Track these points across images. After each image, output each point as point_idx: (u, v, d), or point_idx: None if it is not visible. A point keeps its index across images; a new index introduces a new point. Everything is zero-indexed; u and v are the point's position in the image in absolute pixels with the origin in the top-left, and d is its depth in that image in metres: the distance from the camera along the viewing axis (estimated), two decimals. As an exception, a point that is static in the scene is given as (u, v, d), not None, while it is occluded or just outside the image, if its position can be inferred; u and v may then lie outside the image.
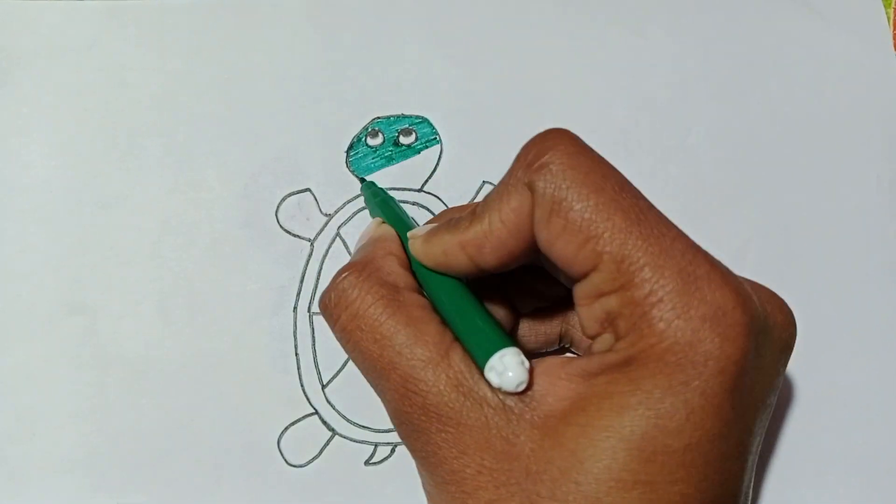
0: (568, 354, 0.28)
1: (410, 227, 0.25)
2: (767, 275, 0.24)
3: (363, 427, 0.30)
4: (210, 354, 0.29)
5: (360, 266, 0.23)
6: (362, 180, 0.31)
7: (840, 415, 0.32)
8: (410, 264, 0.24)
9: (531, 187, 0.20)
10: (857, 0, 0.36)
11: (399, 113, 0.32)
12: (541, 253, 0.21)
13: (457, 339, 0.21)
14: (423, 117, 0.32)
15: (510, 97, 0.33)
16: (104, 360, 0.29)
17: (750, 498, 0.21)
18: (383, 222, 0.27)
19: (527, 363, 0.20)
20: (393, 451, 0.30)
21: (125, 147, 0.31)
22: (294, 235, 0.31)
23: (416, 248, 0.24)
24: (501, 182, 0.21)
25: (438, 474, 0.20)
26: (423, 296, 0.23)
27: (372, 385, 0.23)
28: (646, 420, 0.18)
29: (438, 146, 0.32)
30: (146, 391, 0.29)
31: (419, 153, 0.32)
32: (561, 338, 0.27)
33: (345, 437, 0.30)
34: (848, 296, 0.33)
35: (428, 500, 0.22)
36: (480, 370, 0.20)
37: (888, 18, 0.36)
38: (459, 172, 0.32)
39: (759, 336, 0.19)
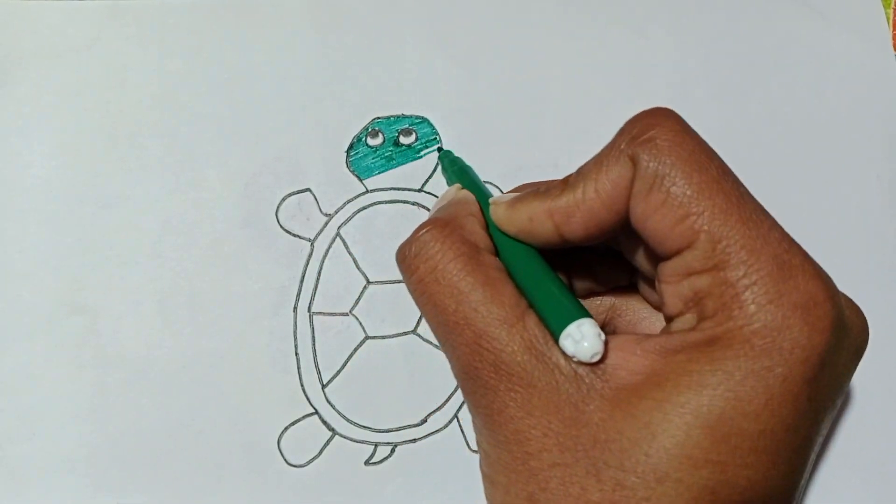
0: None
1: (489, 195, 0.25)
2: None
3: (363, 427, 0.30)
4: (210, 354, 0.29)
5: (443, 222, 0.23)
6: (439, 149, 0.32)
7: (839, 414, 0.32)
8: (488, 230, 0.24)
9: (634, 159, 0.20)
10: (857, 0, 0.36)
11: (399, 113, 0.32)
12: (622, 232, 0.21)
13: (531, 306, 0.22)
14: (423, 117, 0.32)
15: (510, 97, 0.33)
16: (104, 360, 0.29)
17: (803, 496, 0.21)
18: (462, 188, 0.27)
19: (603, 335, 0.20)
20: (393, 451, 0.30)
21: (125, 147, 0.31)
22: (294, 235, 0.31)
23: (499, 213, 0.24)
24: (601, 153, 0.21)
25: (502, 433, 0.20)
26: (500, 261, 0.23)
27: (441, 339, 0.23)
28: (724, 400, 0.18)
29: (437, 148, 0.32)
30: (146, 391, 0.29)
31: (418, 153, 0.32)
32: (605, 325, 0.27)
33: (345, 437, 0.30)
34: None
35: (483, 460, 0.22)
36: (555, 338, 0.20)
37: (888, 18, 0.36)
38: (459, 172, 0.32)
39: (841, 333, 0.19)
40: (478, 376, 0.21)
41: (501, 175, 0.32)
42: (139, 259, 0.30)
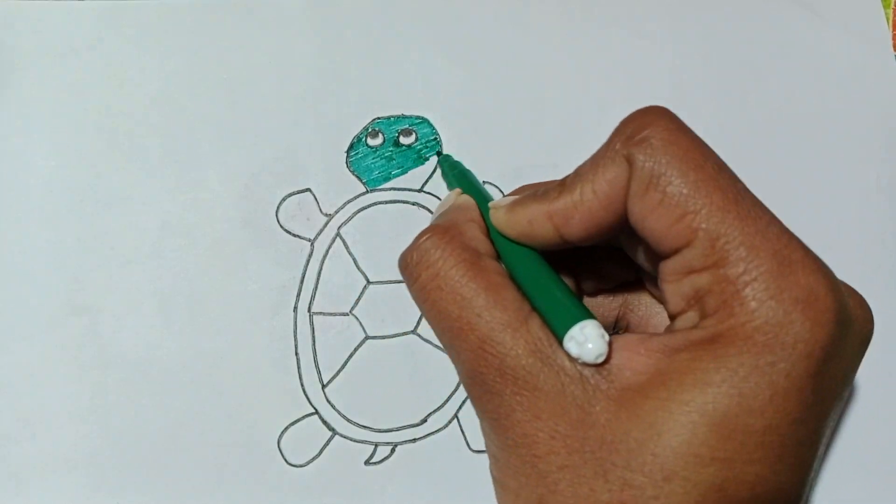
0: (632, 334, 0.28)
1: (489, 200, 0.25)
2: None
3: (363, 427, 0.30)
4: (210, 354, 0.29)
5: (443, 229, 0.23)
6: (439, 154, 0.32)
7: (843, 409, 0.32)
8: (489, 234, 0.24)
9: (630, 159, 0.20)
10: (857, 0, 0.36)
11: (399, 113, 0.32)
12: (623, 231, 0.21)
13: (534, 310, 0.22)
14: (423, 118, 0.32)
15: (510, 98, 0.33)
16: (105, 361, 0.29)
17: (812, 489, 0.21)
18: (462, 193, 0.27)
19: (607, 336, 0.20)
20: (393, 450, 0.30)
21: (126, 147, 0.31)
22: (294, 235, 0.31)
23: (499, 217, 0.24)
24: (597, 154, 0.21)
25: (510, 437, 0.21)
26: (501, 266, 0.23)
27: (446, 346, 0.23)
28: (729, 398, 0.18)
29: (437, 153, 0.32)
30: (146, 391, 0.29)
31: (418, 153, 0.32)
32: (617, 321, 0.27)
33: (345, 437, 0.30)
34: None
35: (493, 464, 0.22)
36: (559, 340, 0.20)
37: (888, 18, 0.36)
38: (459, 172, 0.32)
39: (844, 326, 0.19)
40: (483, 381, 0.21)
41: (501, 175, 0.32)
42: (139, 259, 0.30)
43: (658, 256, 0.21)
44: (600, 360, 0.20)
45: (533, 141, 0.33)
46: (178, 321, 0.30)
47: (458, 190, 0.27)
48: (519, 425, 0.20)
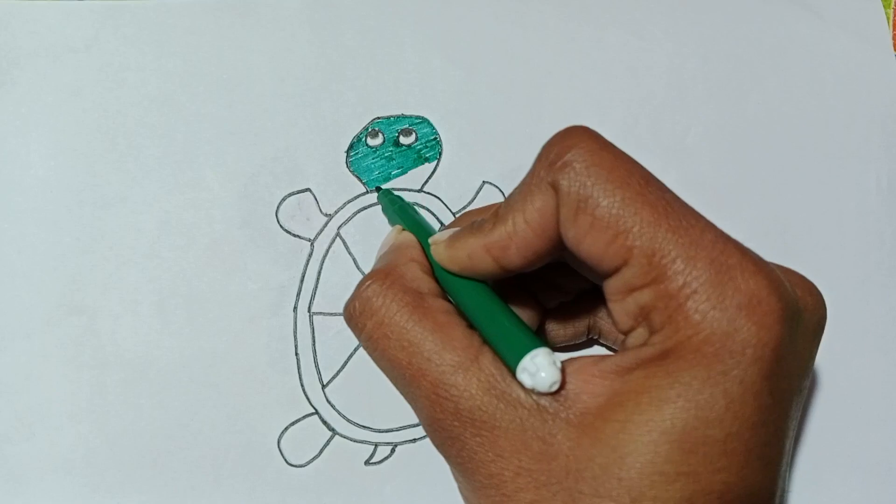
0: (596, 348, 0.28)
1: (431, 233, 0.25)
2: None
3: (363, 427, 0.30)
4: (210, 354, 0.29)
5: (384, 274, 0.23)
6: (377, 189, 0.31)
7: (839, 414, 0.32)
8: (433, 270, 0.24)
9: (555, 186, 0.20)
10: (857, 0, 0.36)
11: (399, 113, 0.32)
12: (566, 250, 0.21)
13: (485, 342, 0.21)
14: (422, 117, 0.32)
15: (510, 97, 0.33)
16: (103, 360, 0.29)
17: (787, 482, 0.21)
18: (403, 229, 0.27)
19: (559, 362, 0.20)
20: (393, 451, 0.30)
21: (124, 147, 0.31)
22: (294, 235, 0.31)
23: (439, 253, 0.24)
24: (523, 183, 0.21)
25: (476, 479, 0.20)
26: (448, 301, 0.23)
27: (402, 393, 0.23)
28: (686, 412, 0.18)
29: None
30: (145, 391, 0.29)
31: (418, 153, 0.32)
32: (589, 329, 0.27)
33: (345, 437, 0.30)
34: (847, 296, 0.33)
35: None
36: (512, 372, 0.20)
37: (888, 18, 0.36)
38: (459, 172, 0.32)
39: (793, 321, 0.19)
40: (442, 427, 0.21)
41: (500, 175, 0.32)
42: (138, 259, 0.30)
43: (600, 276, 0.21)
44: (555, 387, 0.19)
45: (533, 141, 0.33)
46: (176, 321, 0.30)
47: (398, 227, 0.27)
48: (483, 466, 0.20)
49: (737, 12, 0.35)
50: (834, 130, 0.35)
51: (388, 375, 0.23)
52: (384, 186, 0.31)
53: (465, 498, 0.22)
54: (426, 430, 0.22)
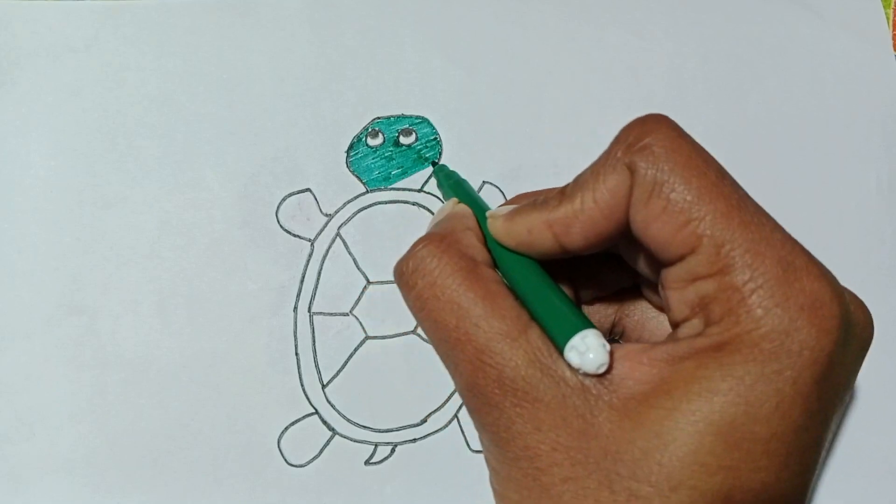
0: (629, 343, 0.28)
1: (485, 209, 0.25)
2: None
3: (363, 427, 0.30)
4: (210, 354, 0.29)
5: (440, 237, 0.23)
6: (434, 164, 0.31)
7: (844, 413, 0.32)
8: (486, 243, 0.24)
9: (632, 168, 0.20)
10: (857, 0, 0.36)
11: (399, 113, 0.32)
12: (622, 238, 0.21)
13: (533, 318, 0.21)
14: (423, 117, 0.32)
15: (510, 97, 0.33)
16: (103, 361, 0.29)
17: (813, 493, 0.21)
18: (459, 202, 0.27)
19: (608, 346, 0.20)
20: (393, 451, 0.30)
21: (124, 147, 0.31)
22: (294, 235, 0.31)
23: (497, 226, 0.23)
24: (597, 163, 0.21)
25: (510, 450, 0.20)
26: (499, 275, 0.23)
27: (442, 356, 0.22)
28: (735, 406, 0.18)
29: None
30: (145, 391, 0.29)
31: (418, 153, 0.32)
32: (613, 328, 0.27)
33: (345, 437, 0.30)
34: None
35: (493, 477, 0.22)
36: (559, 350, 0.20)
37: (888, 18, 0.36)
38: (459, 172, 0.32)
39: (847, 332, 0.19)
40: (482, 393, 0.21)
41: (501, 175, 0.32)
42: (138, 259, 0.30)
43: (660, 264, 0.21)
44: (602, 369, 0.19)
45: (532, 140, 0.33)
46: (177, 321, 0.30)
47: (454, 199, 0.27)
48: (520, 437, 0.20)
49: (737, 12, 0.35)
50: (834, 130, 0.35)
51: (431, 337, 0.22)
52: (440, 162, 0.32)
53: (492, 468, 0.22)
54: (463, 396, 0.22)
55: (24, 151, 0.30)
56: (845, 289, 0.21)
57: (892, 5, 0.36)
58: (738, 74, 0.35)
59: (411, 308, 0.23)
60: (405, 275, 0.23)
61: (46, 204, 0.30)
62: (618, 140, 0.21)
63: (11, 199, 0.30)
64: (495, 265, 0.23)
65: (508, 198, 0.32)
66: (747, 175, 0.34)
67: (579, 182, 0.21)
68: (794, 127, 0.35)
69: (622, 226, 0.21)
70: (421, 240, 0.23)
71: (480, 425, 0.21)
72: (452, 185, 0.28)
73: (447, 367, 0.22)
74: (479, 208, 0.25)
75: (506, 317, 0.21)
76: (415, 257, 0.22)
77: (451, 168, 0.31)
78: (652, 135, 0.20)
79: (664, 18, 0.35)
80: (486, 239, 0.24)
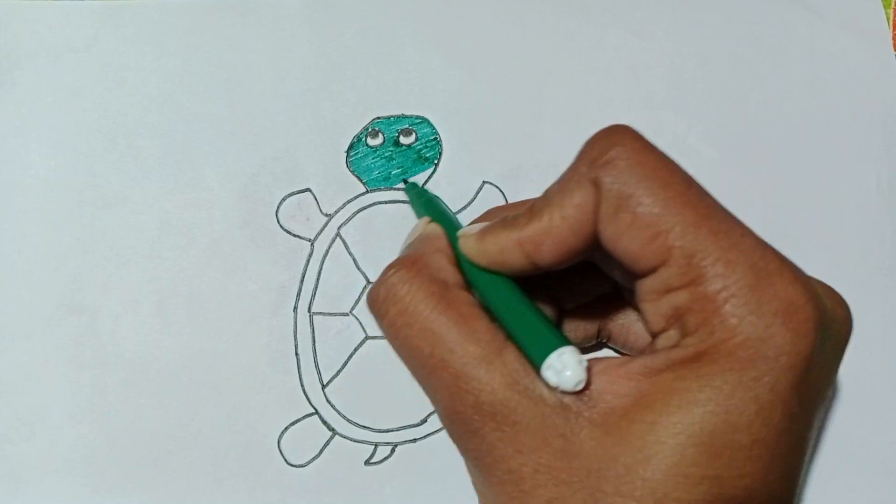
0: (605, 352, 0.28)
1: (458, 227, 0.25)
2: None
3: (363, 427, 0.30)
4: (210, 354, 0.29)
5: (410, 262, 0.23)
6: (405, 182, 0.31)
7: (838, 414, 0.32)
8: (459, 263, 0.24)
9: (597, 183, 0.20)
10: (857, 0, 0.36)
11: (399, 113, 0.32)
12: (597, 249, 0.21)
13: (508, 338, 0.21)
14: (423, 117, 0.32)
15: (510, 97, 0.33)
16: (103, 361, 0.29)
17: (801, 493, 0.21)
18: (430, 221, 0.27)
19: (585, 362, 0.20)
20: (393, 451, 0.30)
21: (124, 147, 0.31)
22: (294, 235, 0.31)
23: (468, 245, 0.23)
24: (562, 179, 0.21)
25: (494, 474, 0.20)
26: (472, 294, 0.23)
27: (421, 383, 0.22)
28: (715, 416, 0.18)
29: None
30: (145, 391, 0.29)
31: (418, 153, 0.32)
32: (599, 332, 0.27)
33: (345, 437, 0.30)
34: (847, 296, 0.32)
35: (480, 501, 0.22)
36: (536, 369, 0.20)
37: (888, 18, 0.36)
38: (459, 172, 0.32)
39: (824, 331, 0.19)
40: (461, 419, 0.21)
41: (500, 175, 0.32)
42: (138, 259, 0.30)
43: (634, 276, 0.21)
44: (580, 387, 0.19)
45: (532, 140, 0.33)
46: (177, 321, 0.30)
47: (426, 218, 0.27)
48: (502, 461, 0.20)
49: (737, 12, 0.35)
50: (834, 130, 0.35)
51: (407, 364, 0.22)
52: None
53: (479, 493, 0.22)
54: (444, 423, 0.22)
55: (24, 151, 0.30)
56: (821, 284, 0.21)
57: (892, 5, 0.36)
58: (738, 74, 0.35)
59: (385, 336, 0.23)
60: (377, 302, 0.23)
61: (46, 204, 0.30)
62: (582, 154, 0.21)
63: (11, 199, 0.30)
64: (469, 285, 0.23)
65: (508, 198, 0.32)
66: (747, 175, 0.34)
67: (546, 199, 0.21)
68: (794, 127, 0.35)
69: (592, 240, 0.21)
70: (391, 265, 0.23)
71: (463, 451, 0.21)
72: (423, 203, 0.28)
73: (426, 393, 0.22)
74: (451, 227, 0.25)
75: (480, 340, 0.21)
76: (386, 284, 0.22)
77: (450, 168, 0.31)
78: (616, 148, 0.20)
79: (664, 18, 0.35)
80: (459, 258, 0.24)
